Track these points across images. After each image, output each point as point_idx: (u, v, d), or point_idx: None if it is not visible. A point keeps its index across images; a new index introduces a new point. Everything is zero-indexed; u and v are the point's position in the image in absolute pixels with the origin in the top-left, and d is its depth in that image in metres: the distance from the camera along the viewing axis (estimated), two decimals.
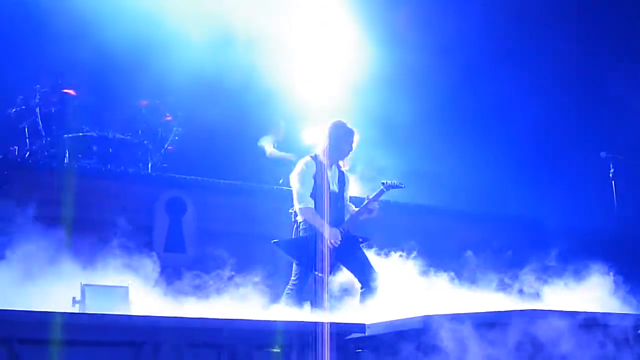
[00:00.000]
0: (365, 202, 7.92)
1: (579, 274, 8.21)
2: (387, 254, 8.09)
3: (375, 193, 7.95)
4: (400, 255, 8.08)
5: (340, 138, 7.89)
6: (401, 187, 8.04)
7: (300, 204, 7.70)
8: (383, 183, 7.96)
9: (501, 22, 11.69)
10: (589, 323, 6.15)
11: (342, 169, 7.98)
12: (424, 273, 8.11)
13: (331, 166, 7.88)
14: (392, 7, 11.53)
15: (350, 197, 8.21)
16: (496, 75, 11.61)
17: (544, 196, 11.42)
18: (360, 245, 7.84)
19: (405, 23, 11.47)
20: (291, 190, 7.86)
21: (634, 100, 11.36)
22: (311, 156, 7.91)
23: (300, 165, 7.84)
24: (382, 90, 11.47)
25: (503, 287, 8.38)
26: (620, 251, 9.21)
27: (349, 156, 7.99)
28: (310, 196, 7.69)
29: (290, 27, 11.44)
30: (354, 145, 7.93)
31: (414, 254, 8.09)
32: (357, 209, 7.93)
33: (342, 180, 7.94)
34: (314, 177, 7.75)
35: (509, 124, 11.60)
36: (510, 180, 11.42)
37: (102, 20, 10.45)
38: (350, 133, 7.92)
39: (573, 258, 8.48)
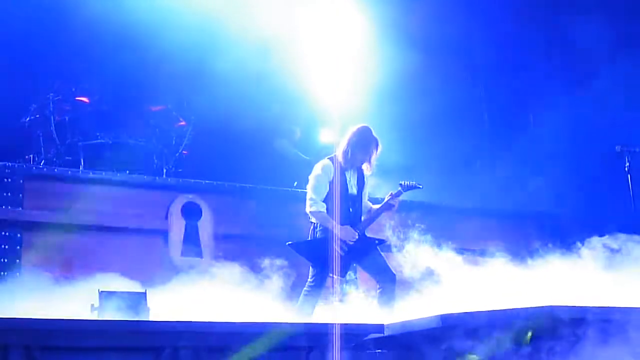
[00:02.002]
0: (383, 202, 7.89)
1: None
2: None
3: (394, 193, 7.90)
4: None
5: (358, 144, 7.73)
6: (419, 187, 7.95)
7: (311, 208, 7.64)
8: (401, 184, 7.88)
9: (512, 19, 11.67)
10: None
11: (365, 172, 7.91)
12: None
13: (350, 169, 7.85)
14: (408, 8, 11.51)
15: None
16: (511, 72, 11.58)
17: (561, 192, 11.37)
18: (377, 246, 7.81)
19: (421, 24, 11.45)
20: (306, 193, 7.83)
21: None
22: (330, 158, 7.84)
23: (316, 170, 7.76)
24: (398, 91, 11.45)
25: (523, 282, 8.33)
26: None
27: (372, 162, 7.82)
28: (326, 199, 7.65)
29: (305, 30, 11.43)
30: (374, 154, 7.77)
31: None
32: (376, 207, 7.89)
33: (361, 182, 7.87)
34: (331, 181, 7.70)
35: (525, 121, 11.57)
36: (523, 175, 11.39)
37: (113, 27, 10.48)
38: (369, 141, 7.76)
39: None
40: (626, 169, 9.93)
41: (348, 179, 7.76)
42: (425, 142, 11.39)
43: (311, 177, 7.75)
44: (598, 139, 11.26)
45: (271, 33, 10.99)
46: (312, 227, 7.74)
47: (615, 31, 11.38)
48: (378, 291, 7.65)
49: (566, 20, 11.55)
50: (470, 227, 10.67)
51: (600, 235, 8.89)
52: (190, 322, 5.86)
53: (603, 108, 11.58)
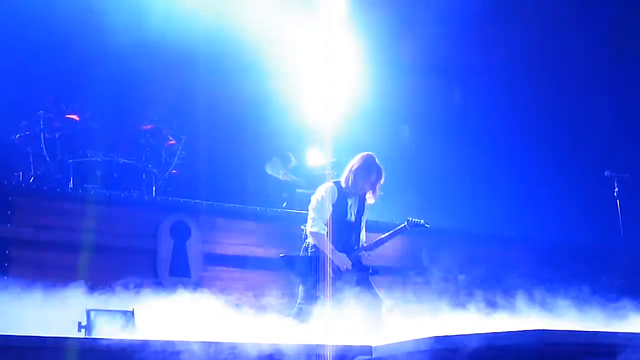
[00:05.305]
0: (389, 233, 7.85)
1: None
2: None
3: (397, 228, 7.88)
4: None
5: (359, 172, 7.69)
6: (426, 226, 7.93)
7: (312, 228, 7.59)
8: (408, 220, 7.85)
9: (503, 41, 11.73)
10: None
11: (367, 200, 7.83)
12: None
13: (353, 196, 7.79)
14: (398, 32, 11.57)
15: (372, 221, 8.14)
16: (499, 97, 11.63)
17: (549, 216, 11.39)
18: (370, 275, 7.77)
19: (409, 49, 11.51)
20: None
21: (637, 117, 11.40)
22: (335, 182, 7.80)
23: (320, 192, 7.71)
24: (385, 115, 11.49)
25: (512, 307, 8.34)
26: (626, 270, 9.16)
27: (377, 190, 7.75)
28: (326, 223, 7.62)
29: (295, 52, 11.49)
30: (377, 183, 7.71)
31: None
32: (381, 236, 7.87)
33: (360, 210, 7.84)
34: (333, 205, 7.67)
35: (514, 144, 11.61)
36: (512, 200, 11.41)
37: (104, 46, 10.50)
38: (370, 169, 7.70)
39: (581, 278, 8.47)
40: (615, 194, 9.98)
41: (349, 205, 7.73)
42: (415, 163, 11.41)
43: (314, 198, 7.71)
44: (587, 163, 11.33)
45: (264, 54, 11.04)
46: (304, 245, 7.72)
47: (608, 55, 11.48)
48: (365, 315, 7.60)
49: (557, 38, 11.63)
50: (457, 250, 10.61)
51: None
52: (177, 341, 5.82)
53: (593, 133, 11.65)
